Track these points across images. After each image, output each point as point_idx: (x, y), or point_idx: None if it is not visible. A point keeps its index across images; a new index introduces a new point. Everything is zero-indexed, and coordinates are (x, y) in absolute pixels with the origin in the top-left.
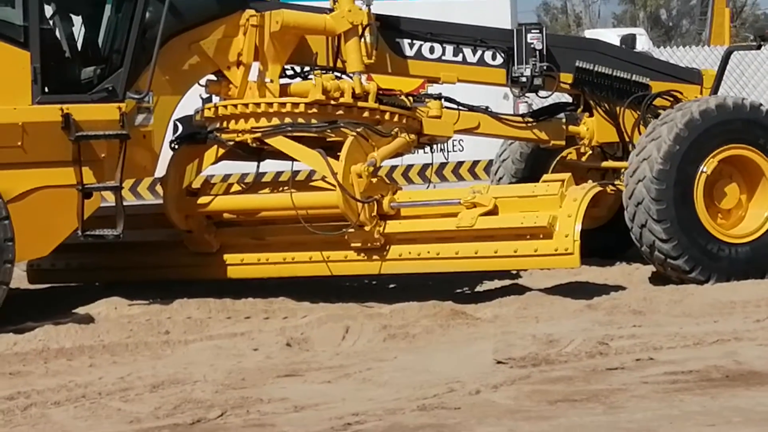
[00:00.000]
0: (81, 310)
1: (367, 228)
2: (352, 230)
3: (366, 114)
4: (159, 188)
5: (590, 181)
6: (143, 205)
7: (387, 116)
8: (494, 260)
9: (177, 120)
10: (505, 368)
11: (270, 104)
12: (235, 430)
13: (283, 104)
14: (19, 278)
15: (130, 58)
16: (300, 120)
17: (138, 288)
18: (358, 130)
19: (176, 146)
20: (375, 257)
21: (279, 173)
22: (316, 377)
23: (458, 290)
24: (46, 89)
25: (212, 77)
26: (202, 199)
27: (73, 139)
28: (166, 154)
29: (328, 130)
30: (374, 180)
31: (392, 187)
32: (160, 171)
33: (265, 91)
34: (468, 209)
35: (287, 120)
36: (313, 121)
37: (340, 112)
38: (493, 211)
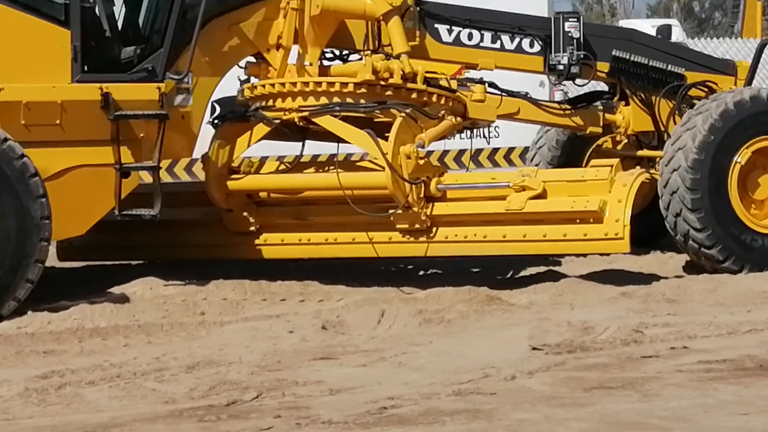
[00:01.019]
0: (116, 290)
1: (414, 209)
2: (399, 211)
3: (414, 95)
4: (195, 169)
5: (638, 167)
6: (180, 183)
7: (434, 98)
8: (543, 244)
9: (215, 101)
10: (540, 354)
11: (319, 83)
12: (270, 412)
13: (332, 84)
14: (54, 257)
15: (170, 39)
16: (348, 100)
17: (174, 268)
18: (407, 111)
19: (218, 124)
20: (421, 239)
21: (315, 156)
22: (352, 360)
23: (493, 276)
24: (86, 68)
25: (251, 59)
26: (245, 178)
27: (112, 118)
28: (204, 135)
29: (377, 111)
30: (422, 162)
31: (439, 169)
32: (198, 152)
33: (305, 75)
34: (517, 192)
35: (335, 100)
36: (362, 101)
37: (389, 92)
38: (542, 195)
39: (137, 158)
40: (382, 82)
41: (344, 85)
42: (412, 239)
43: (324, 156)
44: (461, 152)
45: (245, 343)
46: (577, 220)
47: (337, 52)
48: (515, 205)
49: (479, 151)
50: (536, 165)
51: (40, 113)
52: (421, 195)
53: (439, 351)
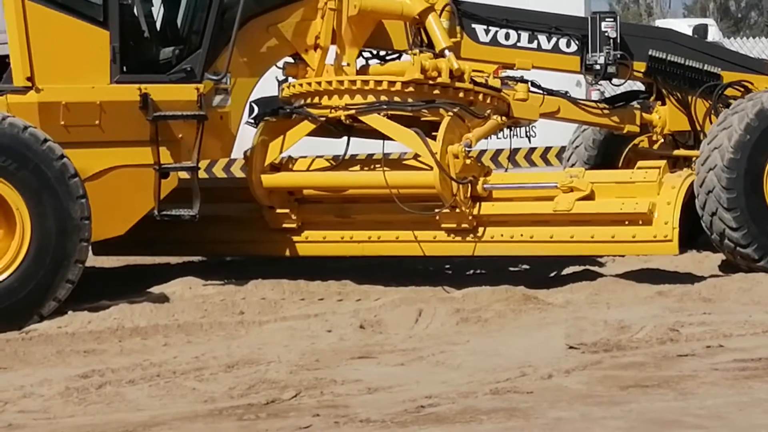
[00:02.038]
0: (156, 290)
1: (461, 209)
2: (446, 211)
3: (462, 94)
4: (233, 169)
5: (685, 168)
6: (218, 179)
7: (480, 97)
8: (590, 245)
9: (253, 101)
10: (576, 353)
11: (366, 82)
12: (308, 411)
13: (379, 82)
14: (94, 256)
15: (208, 40)
16: (396, 98)
17: (212, 268)
18: (455, 110)
19: (262, 120)
20: (466, 239)
21: (353, 155)
22: (390, 360)
23: (530, 275)
24: (125, 68)
25: (289, 60)
26: (291, 175)
27: (151, 119)
28: (243, 136)
29: (424, 110)
30: (469, 161)
31: (485, 169)
32: (237, 152)
33: (342, 75)
34: (565, 193)
35: (382, 98)
36: (410, 99)
37: (437, 91)
38: (590, 196)
39: (176, 159)
40: (430, 81)
41: (392, 83)
42: (457, 238)
43: (362, 155)
44: (498, 152)
45: (284, 342)
46: (626, 222)
47: (375, 52)
48: (563, 206)
49: (516, 150)
50: (573, 164)
51: (79, 114)
52: (468, 195)
53: (476, 350)
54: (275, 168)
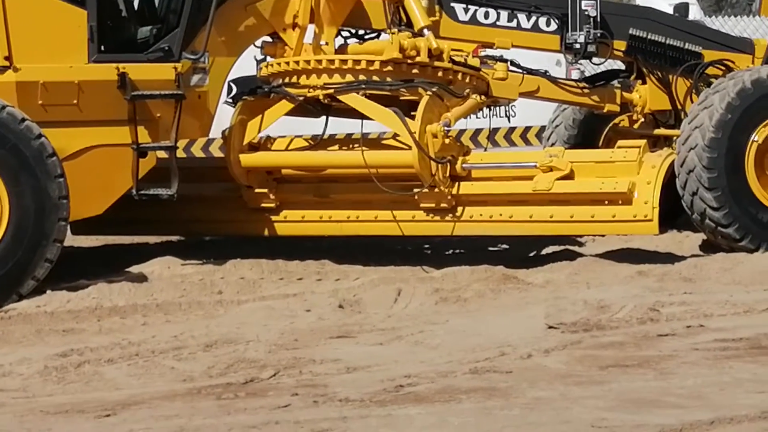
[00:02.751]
0: (134, 269)
1: (439, 189)
2: (425, 190)
3: (440, 73)
4: (212, 148)
5: (666, 147)
6: (197, 158)
7: (459, 76)
8: (570, 225)
9: (231, 81)
10: (556, 333)
11: (344, 61)
12: (287, 390)
13: (358, 61)
14: (72, 236)
15: (186, 19)
16: (374, 78)
17: (191, 248)
18: (434, 89)
19: (240, 100)
20: (445, 218)
21: (332, 135)
22: (369, 339)
23: (510, 255)
24: (103, 48)
25: (267, 39)
26: (270, 154)
27: (129, 98)
28: (221, 115)
29: (403, 89)
30: (448, 141)
31: (464, 148)
32: (215, 132)
33: (321, 54)
34: (544, 173)
35: (361, 77)
36: (388, 79)
37: (415, 70)
38: (570, 176)
39: (154, 138)
40: (409, 60)
41: (370, 62)
42: (436, 218)
43: (341, 135)
44: (477, 131)
45: (262, 321)
46: (606, 202)
47: (353, 32)
48: (543, 185)
49: (495, 130)
50: (552, 144)
51: (57, 93)
52: (447, 174)
53: (455, 329)
54: (254, 147)
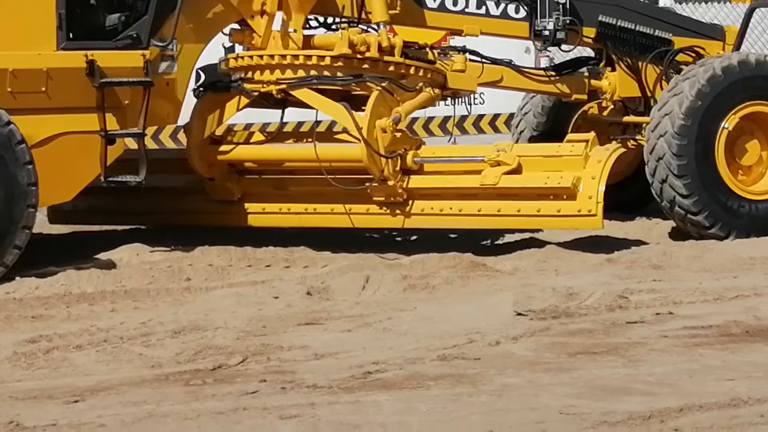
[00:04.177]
0: (103, 256)
1: (390, 182)
2: (375, 184)
3: (392, 68)
4: (181, 136)
5: (614, 141)
6: (167, 150)
7: (412, 70)
8: (516, 219)
9: (200, 68)
10: (524, 320)
11: (296, 56)
12: (255, 376)
13: (309, 57)
14: (41, 223)
15: (154, 6)
16: (325, 73)
17: (160, 235)
18: (384, 84)
19: (200, 94)
20: (397, 211)
21: (300, 123)
22: (337, 326)
23: (478, 242)
24: (71, 35)
25: (236, 26)
26: (225, 148)
27: (97, 85)
28: (190, 102)
29: (353, 84)
30: (398, 135)
31: (416, 142)
32: (183, 119)
33: (289, 42)
34: (492, 167)
35: (313, 72)
36: (339, 74)
37: (366, 66)
38: (517, 170)
39: (122, 125)
40: (359, 56)
41: (321, 58)
42: (389, 211)
43: (309, 123)
44: (446, 119)
45: (231, 308)
46: (551, 196)
47: (322, 20)
48: (490, 179)
49: (464, 118)
50: (521, 131)
51: (26, 80)
52: (398, 168)
53: (423, 316)
54: (215, 141)
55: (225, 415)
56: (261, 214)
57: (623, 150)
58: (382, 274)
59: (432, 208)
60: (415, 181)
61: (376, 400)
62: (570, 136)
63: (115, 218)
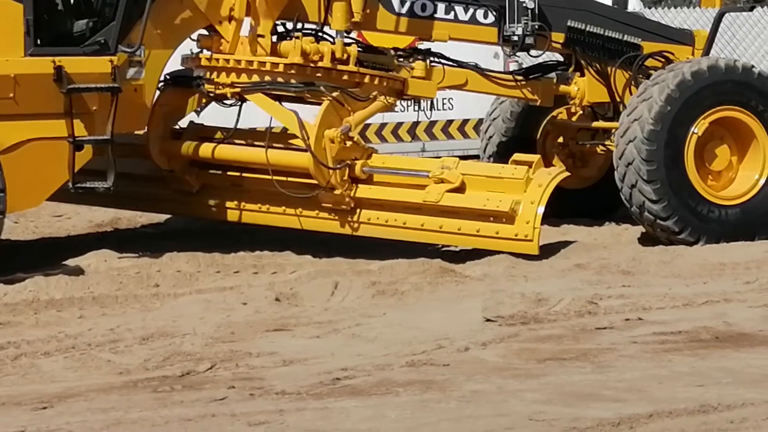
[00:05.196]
0: (71, 262)
1: (337, 191)
2: (323, 191)
3: (345, 77)
4: None
5: (559, 164)
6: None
7: (367, 79)
8: (457, 237)
9: (168, 74)
10: (493, 326)
11: (250, 62)
12: (223, 383)
13: (263, 63)
14: (9, 229)
15: (122, 12)
16: (279, 79)
17: (128, 240)
18: (335, 94)
19: (162, 88)
20: (345, 218)
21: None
22: (305, 332)
23: (447, 248)
24: (39, 41)
25: (204, 32)
26: (183, 144)
27: (65, 91)
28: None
29: (306, 92)
30: (348, 144)
31: (367, 151)
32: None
33: (257, 47)
34: (436, 184)
35: (267, 78)
36: (293, 81)
37: (319, 74)
38: (460, 189)
39: (90, 131)
40: (312, 64)
41: (275, 65)
42: (337, 217)
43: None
44: (415, 125)
45: (199, 314)
46: (491, 218)
47: (290, 25)
48: (432, 196)
49: (433, 123)
50: (490, 137)
51: None
52: (345, 177)
53: (392, 322)
54: (177, 134)
55: (193, 422)
56: (218, 207)
57: (567, 174)
58: (351, 280)
59: (378, 218)
60: (363, 191)
61: (344, 407)
62: (516, 156)
63: (78, 198)
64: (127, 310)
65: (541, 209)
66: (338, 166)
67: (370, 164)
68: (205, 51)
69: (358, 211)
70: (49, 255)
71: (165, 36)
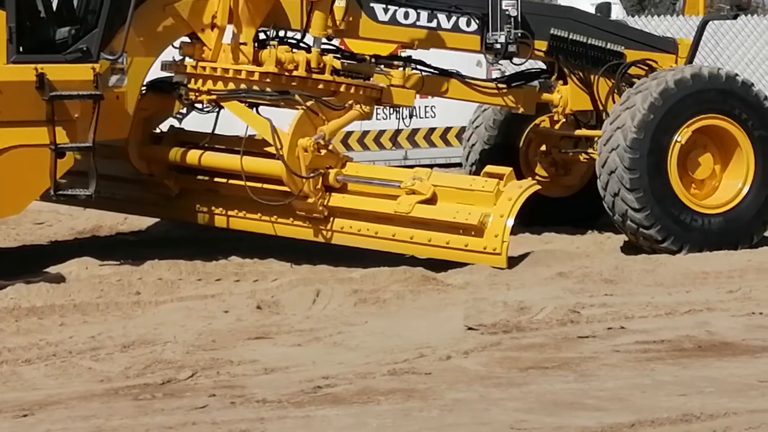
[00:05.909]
0: (52, 270)
1: (310, 199)
2: (297, 199)
3: (321, 86)
4: None
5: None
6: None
7: (343, 88)
8: (427, 248)
9: (150, 81)
10: (475, 334)
11: (226, 70)
12: (205, 390)
13: (239, 71)
14: None
15: (104, 19)
16: (255, 87)
17: (109, 248)
18: (309, 103)
19: (143, 93)
20: (319, 227)
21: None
22: (287, 340)
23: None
24: (21, 49)
25: (186, 39)
26: (162, 148)
27: (47, 98)
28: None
29: (281, 101)
30: (322, 152)
31: (342, 160)
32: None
33: (239, 55)
34: (407, 194)
35: (243, 86)
36: (268, 89)
37: (294, 83)
38: (431, 200)
39: (72, 138)
40: (286, 73)
41: (250, 73)
42: (311, 225)
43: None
44: (397, 132)
45: (180, 322)
46: (460, 231)
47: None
48: (403, 207)
49: (415, 131)
50: (473, 145)
51: None
52: (319, 186)
53: (374, 331)
54: (156, 139)
55: (174, 430)
56: (195, 211)
57: (537, 188)
58: (333, 288)
59: (351, 227)
60: (336, 200)
61: (326, 415)
62: (488, 168)
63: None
64: (108, 318)
65: (511, 222)
66: (311, 174)
67: (343, 173)
68: (187, 58)
69: (331, 219)
70: (30, 262)
71: (147, 43)
